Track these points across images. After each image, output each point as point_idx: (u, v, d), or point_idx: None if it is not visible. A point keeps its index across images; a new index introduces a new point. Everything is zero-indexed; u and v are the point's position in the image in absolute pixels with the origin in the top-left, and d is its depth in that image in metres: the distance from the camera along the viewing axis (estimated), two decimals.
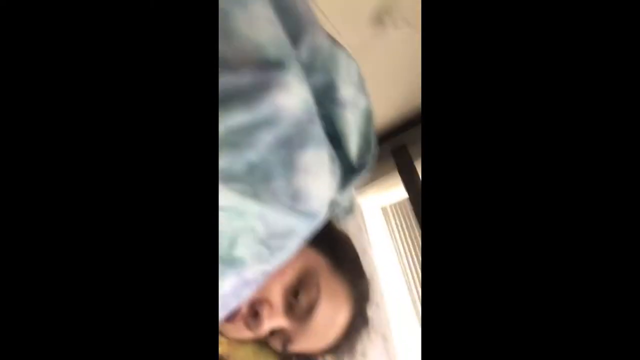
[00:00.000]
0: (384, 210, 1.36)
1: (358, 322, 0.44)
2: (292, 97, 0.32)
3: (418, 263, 1.21)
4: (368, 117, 0.44)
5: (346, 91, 0.39)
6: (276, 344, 0.40)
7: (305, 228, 0.35)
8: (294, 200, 0.32)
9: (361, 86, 0.43)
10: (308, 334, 0.39)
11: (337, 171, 0.39)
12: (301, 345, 0.40)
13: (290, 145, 0.32)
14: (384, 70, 1.02)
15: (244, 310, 0.37)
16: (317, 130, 0.35)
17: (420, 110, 1.15)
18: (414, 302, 1.15)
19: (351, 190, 0.44)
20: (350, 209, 0.57)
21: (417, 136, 1.17)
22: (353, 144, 0.42)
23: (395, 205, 1.35)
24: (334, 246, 0.44)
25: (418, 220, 1.10)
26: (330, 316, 0.40)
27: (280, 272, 0.37)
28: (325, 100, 0.38)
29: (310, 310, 0.38)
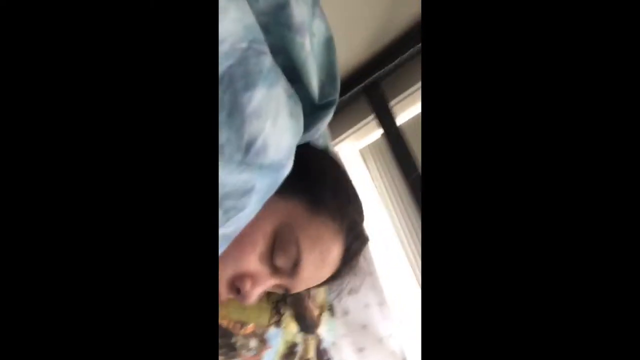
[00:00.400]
0: (362, 152, 1.36)
1: (356, 245, 0.42)
2: (229, 24, 0.26)
3: (399, 198, 1.24)
4: (329, 45, 0.38)
5: (300, 13, 0.33)
6: (277, 291, 0.40)
7: (267, 183, 0.30)
8: (247, 154, 0.27)
9: (317, 8, 0.37)
10: (303, 280, 0.38)
11: (298, 111, 0.33)
12: (301, 287, 0.39)
13: (233, 86, 0.26)
14: (348, 4, 0.96)
15: (224, 290, 0.35)
16: (268, 63, 0.29)
17: (391, 47, 1.10)
18: (399, 236, 1.19)
19: (319, 131, 0.40)
20: None
21: (389, 75, 1.13)
22: (313, 78, 0.36)
23: (371, 145, 1.34)
24: (308, 185, 0.37)
25: (395, 158, 1.10)
26: (320, 260, 0.38)
27: (251, 241, 0.34)
28: (276, 26, 0.32)
29: (296, 265, 0.36)
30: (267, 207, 0.33)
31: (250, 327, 0.47)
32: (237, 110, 0.26)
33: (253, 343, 0.47)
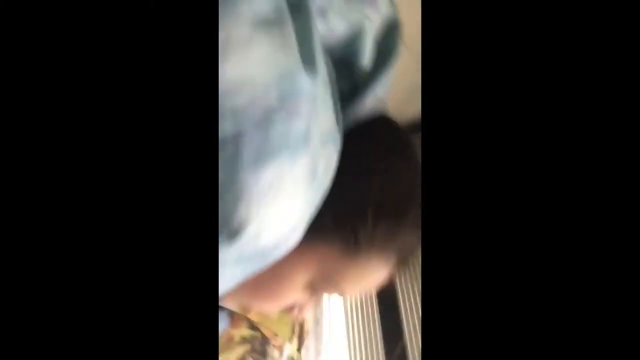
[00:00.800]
0: None
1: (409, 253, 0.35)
2: (252, 66, 0.19)
3: None
4: (392, 31, 0.32)
5: None
6: None
7: (246, 270, 0.25)
8: (227, 242, 0.21)
9: None
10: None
11: (331, 161, 0.26)
12: None
13: (238, 158, 0.20)
14: None
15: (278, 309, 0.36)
16: (301, 127, 0.21)
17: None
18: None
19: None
20: None
21: None
22: (366, 61, 0.31)
23: None
24: (342, 223, 0.30)
25: None
26: (367, 286, 0.34)
27: (285, 295, 0.33)
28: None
29: (342, 295, 0.36)
30: (293, 260, 0.28)
31: (279, 340, 0.67)
32: (234, 187, 0.20)
33: (276, 354, 0.66)
